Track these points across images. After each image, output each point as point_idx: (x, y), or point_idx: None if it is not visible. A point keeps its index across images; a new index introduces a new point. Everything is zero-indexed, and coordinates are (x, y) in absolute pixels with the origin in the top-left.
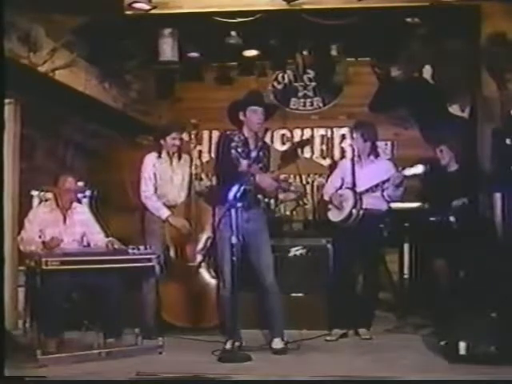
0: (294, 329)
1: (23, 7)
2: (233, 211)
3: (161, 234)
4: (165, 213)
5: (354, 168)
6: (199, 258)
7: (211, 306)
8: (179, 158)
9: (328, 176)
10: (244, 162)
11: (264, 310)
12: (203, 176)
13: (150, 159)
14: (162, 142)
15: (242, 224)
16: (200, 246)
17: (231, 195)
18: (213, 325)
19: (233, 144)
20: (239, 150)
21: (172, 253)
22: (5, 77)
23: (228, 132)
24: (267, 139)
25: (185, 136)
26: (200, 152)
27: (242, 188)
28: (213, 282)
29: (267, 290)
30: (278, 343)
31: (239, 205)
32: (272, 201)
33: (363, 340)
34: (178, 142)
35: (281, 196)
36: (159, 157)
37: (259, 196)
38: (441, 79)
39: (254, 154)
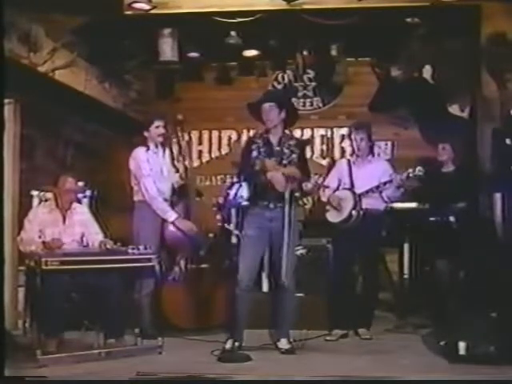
0: (294, 329)
1: (23, 7)
2: (233, 211)
3: (157, 234)
4: (172, 215)
5: (351, 168)
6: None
7: (214, 306)
8: (164, 149)
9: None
10: (258, 161)
11: (276, 309)
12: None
13: (142, 154)
14: (146, 134)
15: (264, 223)
16: (202, 246)
17: (231, 194)
18: (216, 325)
19: (254, 146)
20: (261, 150)
21: (174, 254)
22: (5, 77)
23: (253, 134)
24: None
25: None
26: (200, 152)
27: (243, 187)
28: (216, 281)
29: (285, 290)
30: (285, 343)
31: (240, 203)
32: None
33: (363, 340)
34: (162, 130)
35: (305, 187)
36: (148, 150)
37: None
38: (441, 79)
39: (276, 152)
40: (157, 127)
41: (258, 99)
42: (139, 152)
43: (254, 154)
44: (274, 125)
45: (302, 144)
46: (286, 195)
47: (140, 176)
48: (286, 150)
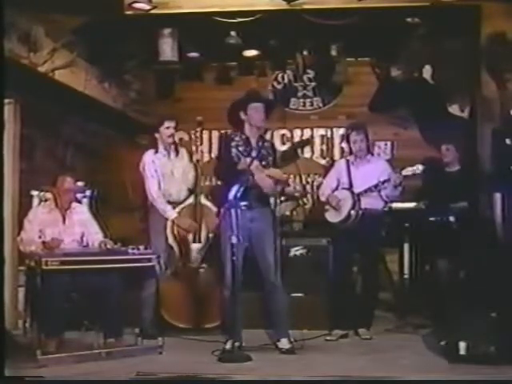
0: (294, 329)
1: (23, 7)
2: (233, 211)
3: (166, 233)
4: (172, 214)
5: (349, 168)
6: (201, 258)
7: (213, 306)
8: (176, 151)
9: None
10: (243, 160)
11: (270, 309)
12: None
13: (149, 156)
14: (156, 135)
15: (245, 224)
16: (202, 246)
17: (231, 195)
18: (215, 325)
19: (233, 143)
20: (240, 148)
21: (175, 253)
22: (5, 77)
23: (229, 131)
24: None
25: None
26: (201, 152)
27: (242, 187)
28: (215, 282)
29: (273, 289)
30: (285, 343)
31: (241, 204)
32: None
33: (363, 340)
34: (172, 131)
35: (287, 190)
36: (156, 152)
37: (265, 195)
38: (441, 79)
39: (255, 153)
40: (167, 128)
41: (245, 99)
42: (146, 154)
43: (234, 151)
44: (260, 125)
45: (273, 147)
46: (269, 196)
47: (145, 178)
48: (263, 152)
